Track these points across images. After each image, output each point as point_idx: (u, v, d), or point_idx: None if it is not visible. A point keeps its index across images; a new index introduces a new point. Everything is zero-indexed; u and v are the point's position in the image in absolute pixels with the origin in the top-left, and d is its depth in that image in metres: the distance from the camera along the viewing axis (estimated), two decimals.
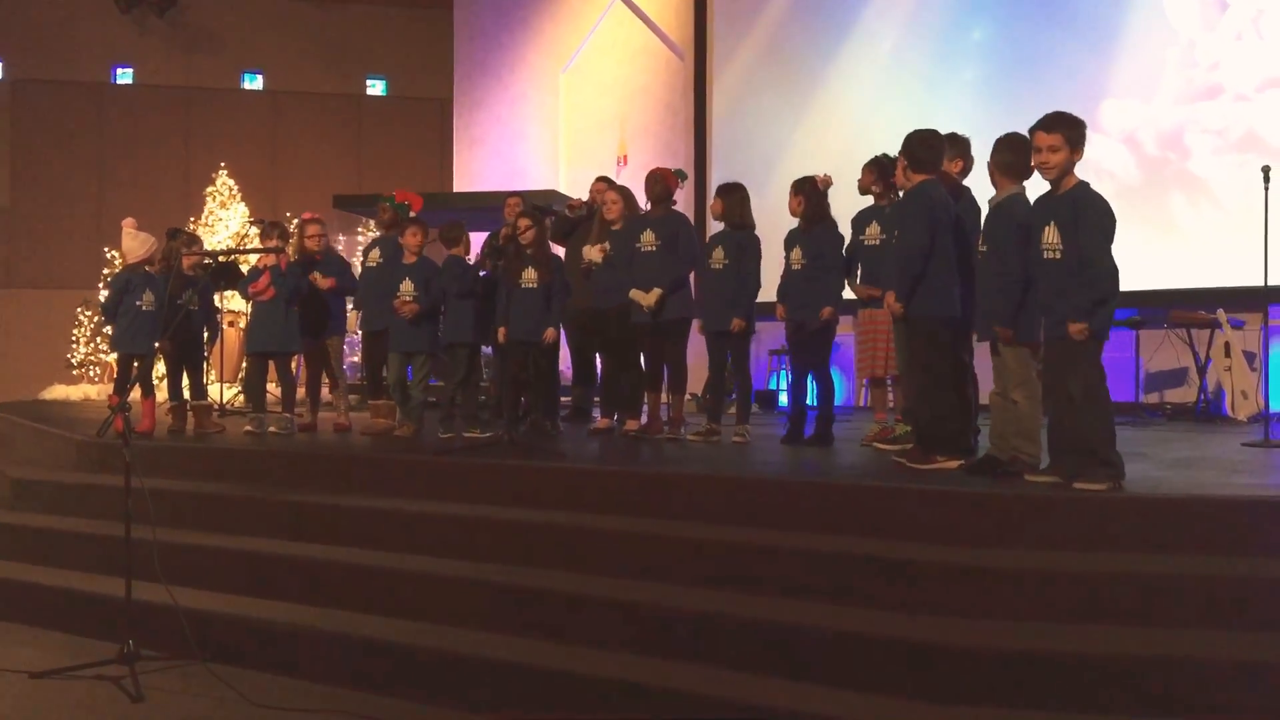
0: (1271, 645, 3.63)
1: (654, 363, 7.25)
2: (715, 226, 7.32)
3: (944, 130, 5.72)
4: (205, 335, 8.11)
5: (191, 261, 7.78)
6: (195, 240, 8.31)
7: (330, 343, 7.97)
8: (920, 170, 5.40)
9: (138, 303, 7.46)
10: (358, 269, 8.50)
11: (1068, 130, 4.61)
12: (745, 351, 7.06)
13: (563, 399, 8.56)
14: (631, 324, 7.12)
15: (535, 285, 7.13)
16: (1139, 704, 3.50)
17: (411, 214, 7.87)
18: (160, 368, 9.32)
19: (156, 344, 7.09)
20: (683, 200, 7.45)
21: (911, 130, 5.48)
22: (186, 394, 7.93)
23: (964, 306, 5.38)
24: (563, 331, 7.63)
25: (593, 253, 7.32)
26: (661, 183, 7.13)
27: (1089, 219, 4.53)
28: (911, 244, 5.28)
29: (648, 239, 7.04)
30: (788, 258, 6.74)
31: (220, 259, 8.39)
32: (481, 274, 7.47)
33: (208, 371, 8.42)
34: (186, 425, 7.74)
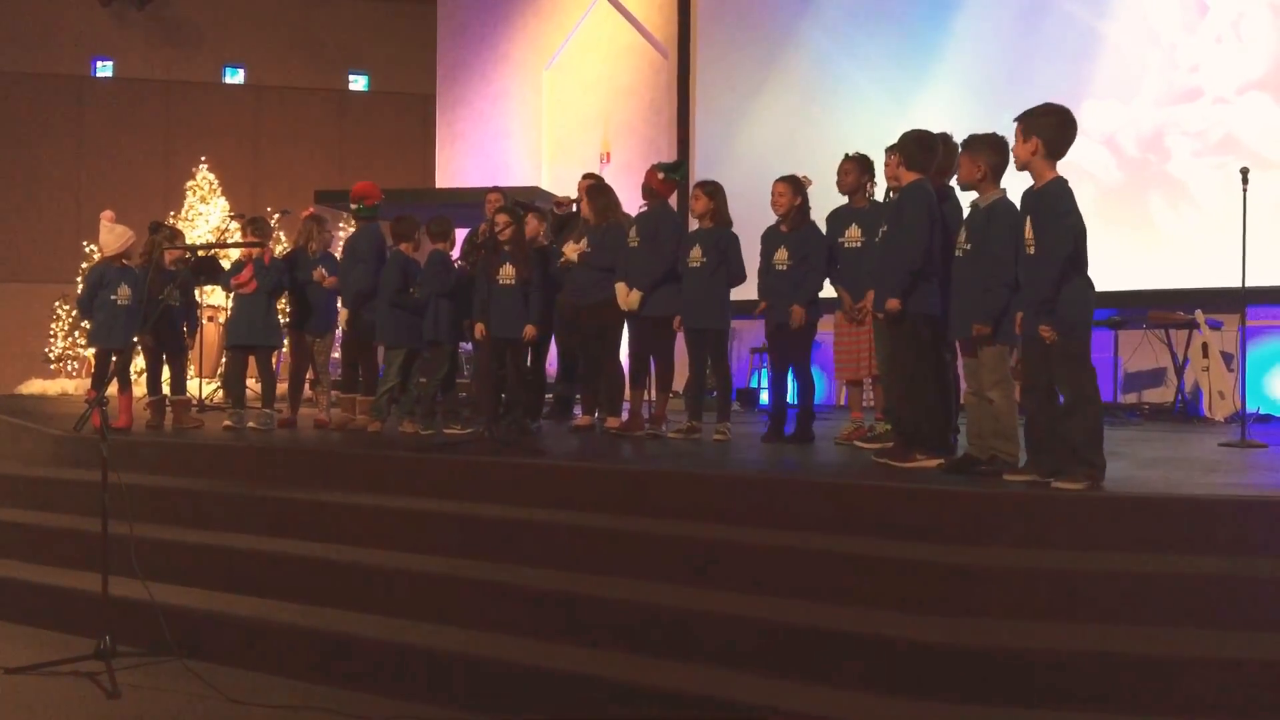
0: (1248, 643, 3.66)
1: (638, 359, 7.25)
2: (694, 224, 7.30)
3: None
4: (186, 329, 8.04)
5: (174, 256, 7.74)
6: (177, 235, 8.26)
7: (321, 339, 7.92)
8: (915, 169, 5.43)
9: (113, 297, 7.39)
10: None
11: (1021, 121, 4.69)
12: (723, 349, 7.06)
13: (546, 395, 8.55)
14: (608, 320, 7.13)
15: (513, 282, 7.12)
16: (1115, 701, 3.52)
17: (368, 204, 7.72)
18: (139, 362, 9.25)
19: (136, 339, 7.04)
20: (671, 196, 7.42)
21: (908, 130, 5.49)
22: (166, 389, 7.89)
23: (942, 306, 5.39)
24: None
25: (570, 250, 7.31)
26: (646, 186, 7.16)
27: (1041, 217, 4.60)
28: (913, 241, 5.28)
29: (632, 235, 7.07)
30: (771, 258, 6.73)
31: (200, 253, 8.34)
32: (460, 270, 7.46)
33: (187, 366, 8.39)
34: (165, 420, 7.70)
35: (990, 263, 4.91)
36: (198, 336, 9.14)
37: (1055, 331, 4.53)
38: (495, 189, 8.63)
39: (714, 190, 6.95)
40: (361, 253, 7.56)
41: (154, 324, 7.40)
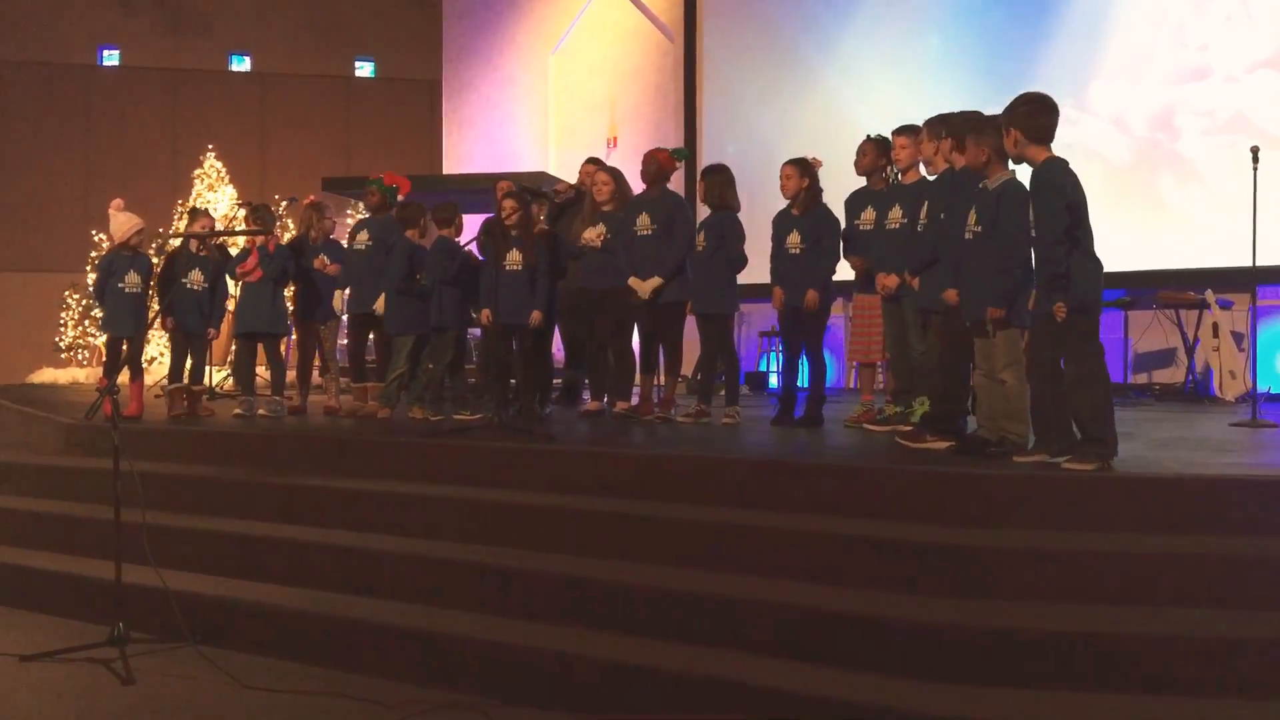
0: (1259, 623, 3.65)
1: (648, 344, 7.24)
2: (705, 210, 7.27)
3: (930, 113, 5.70)
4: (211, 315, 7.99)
5: (207, 241, 7.72)
6: (203, 217, 8.27)
7: (326, 326, 7.91)
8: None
9: (120, 285, 7.42)
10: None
11: (1001, 119, 4.78)
12: (728, 333, 7.05)
13: (555, 380, 8.54)
14: (622, 305, 7.11)
15: (520, 268, 7.11)
16: (1127, 682, 3.52)
17: (399, 197, 7.79)
18: (149, 350, 9.25)
19: (165, 326, 7.02)
20: (676, 182, 7.40)
21: (963, 110, 5.40)
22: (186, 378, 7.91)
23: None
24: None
25: (590, 235, 7.27)
26: (654, 163, 7.09)
27: (1036, 197, 4.65)
28: (960, 228, 5.25)
29: (644, 222, 7.00)
30: (784, 241, 6.69)
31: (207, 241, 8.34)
32: (479, 258, 7.44)
33: (207, 355, 8.40)
34: (176, 408, 7.71)
35: (1003, 245, 4.90)
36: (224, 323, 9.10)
37: (1066, 308, 4.52)
38: (505, 177, 8.61)
39: (714, 172, 6.92)
40: (402, 245, 7.47)
41: (180, 310, 7.43)
